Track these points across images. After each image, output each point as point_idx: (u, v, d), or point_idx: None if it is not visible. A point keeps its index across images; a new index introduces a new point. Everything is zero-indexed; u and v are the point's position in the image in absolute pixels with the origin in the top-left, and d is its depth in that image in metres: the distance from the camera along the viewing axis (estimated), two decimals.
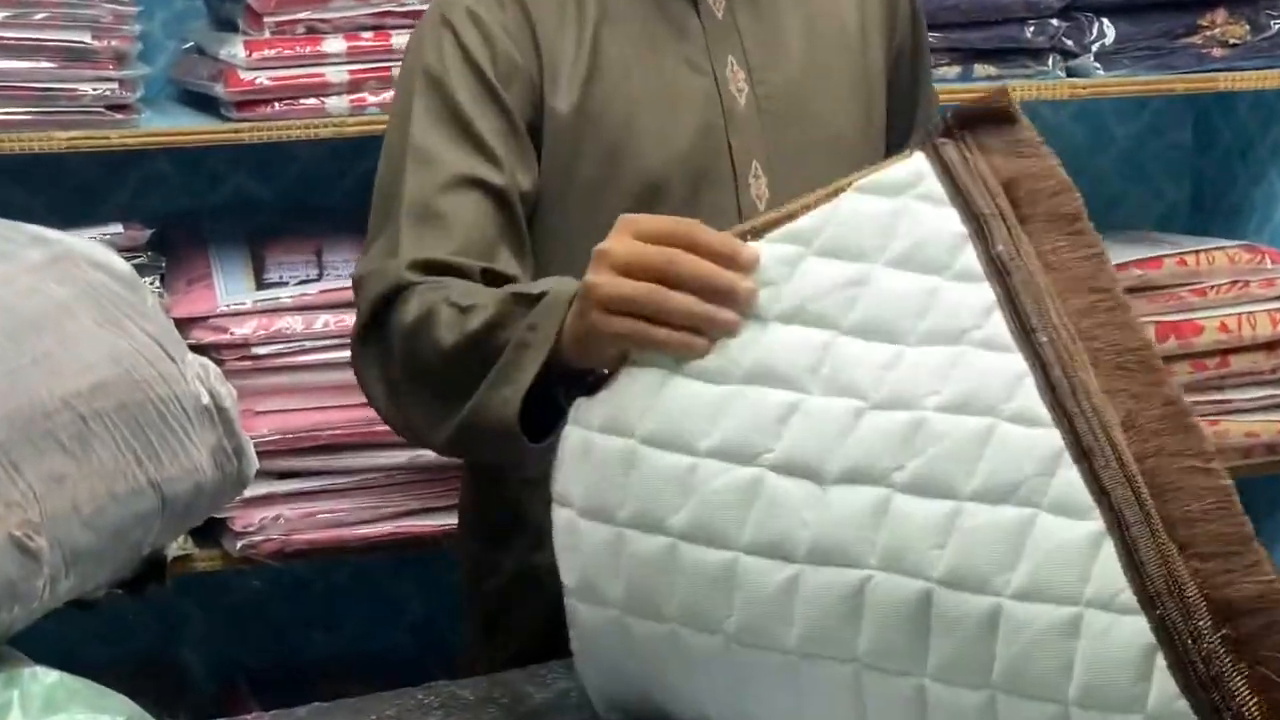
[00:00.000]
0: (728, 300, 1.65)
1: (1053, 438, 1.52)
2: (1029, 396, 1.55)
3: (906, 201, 1.68)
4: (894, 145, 2.23)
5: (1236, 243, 2.95)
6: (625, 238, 1.70)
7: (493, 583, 2.18)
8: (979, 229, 1.64)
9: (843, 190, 1.71)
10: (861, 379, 1.60)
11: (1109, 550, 1.48)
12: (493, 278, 1.98)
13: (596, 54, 2.14)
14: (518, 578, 2.14)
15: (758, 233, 1.69)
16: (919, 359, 1.60)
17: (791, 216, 1.70)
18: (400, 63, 2.43)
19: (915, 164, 1.71)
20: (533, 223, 2.11)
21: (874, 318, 1.64)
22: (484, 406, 1.85)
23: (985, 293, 1.61)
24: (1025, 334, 1.59)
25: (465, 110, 2.07)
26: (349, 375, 2.42)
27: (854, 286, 1.66)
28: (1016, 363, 1.57)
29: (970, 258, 1.63)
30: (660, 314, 1.67)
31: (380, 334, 2.03)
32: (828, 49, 2.22)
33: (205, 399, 1.98)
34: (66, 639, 1.97)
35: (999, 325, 1.60)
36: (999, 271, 1.62)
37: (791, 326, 1.65)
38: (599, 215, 1.95)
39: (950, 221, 1.66)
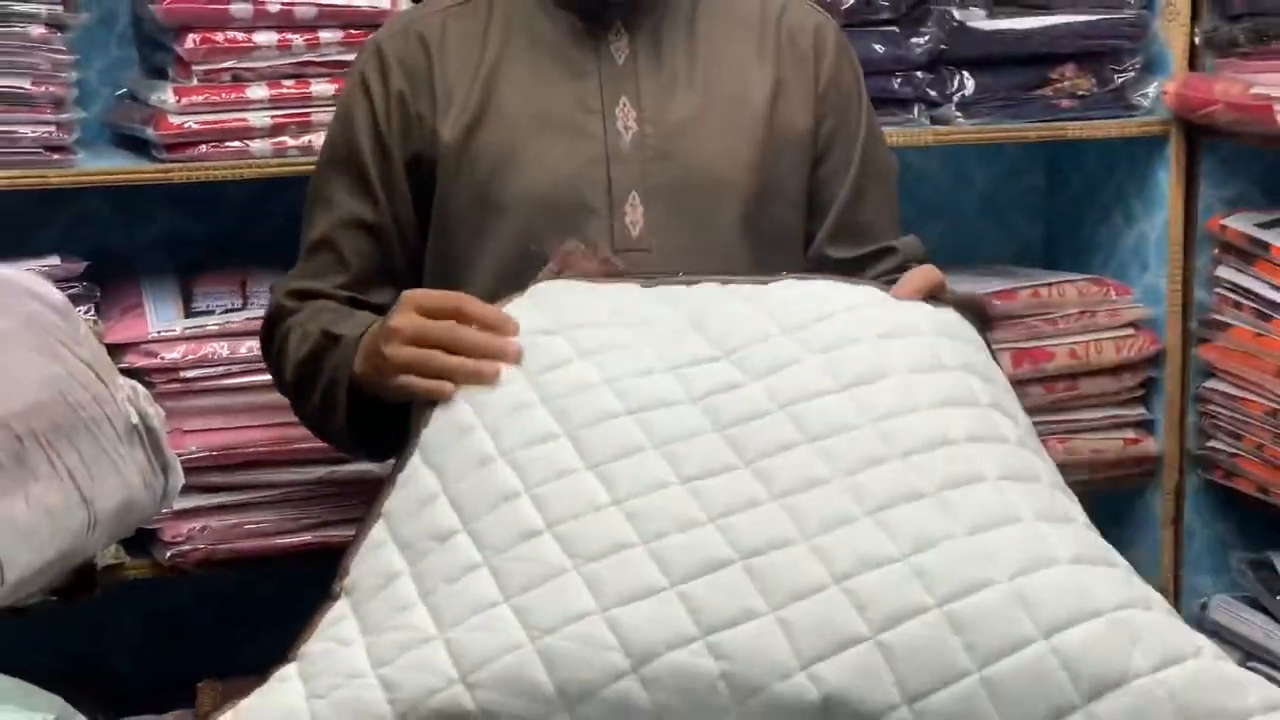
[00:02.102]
0: (498, 358, 1.93)
1: None
2: None
3: None
4: (823, 204, 2.27)
5: (1084, 276, 2.96)
6: (409, 314, 1.99)
7: None
8: None
9: None
10: None
11: None
12: (359, 305, 2.23)
13: (488, 95, 2.19)
14: None
15: None
16: None
17: None
18: (319, 108, 2.56)
19: None
20: (427, 241, 2.25)
21: None
22: (327, 431, 2.23)
23: None
24: None
25: (360, 155, 2.24)
26: (271, 397, 2.51)
27: None
28: None
29: None
30: (442, 372, 1.94)
31: (269, 346, 2.29)
32: (723, 102, 2.23)
33: (134, 419, 2.00)
34: (4, 644, 1.95)
35: None
36: None
37: None
38: (480, 237, 2.14)
39: None
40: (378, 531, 1.91)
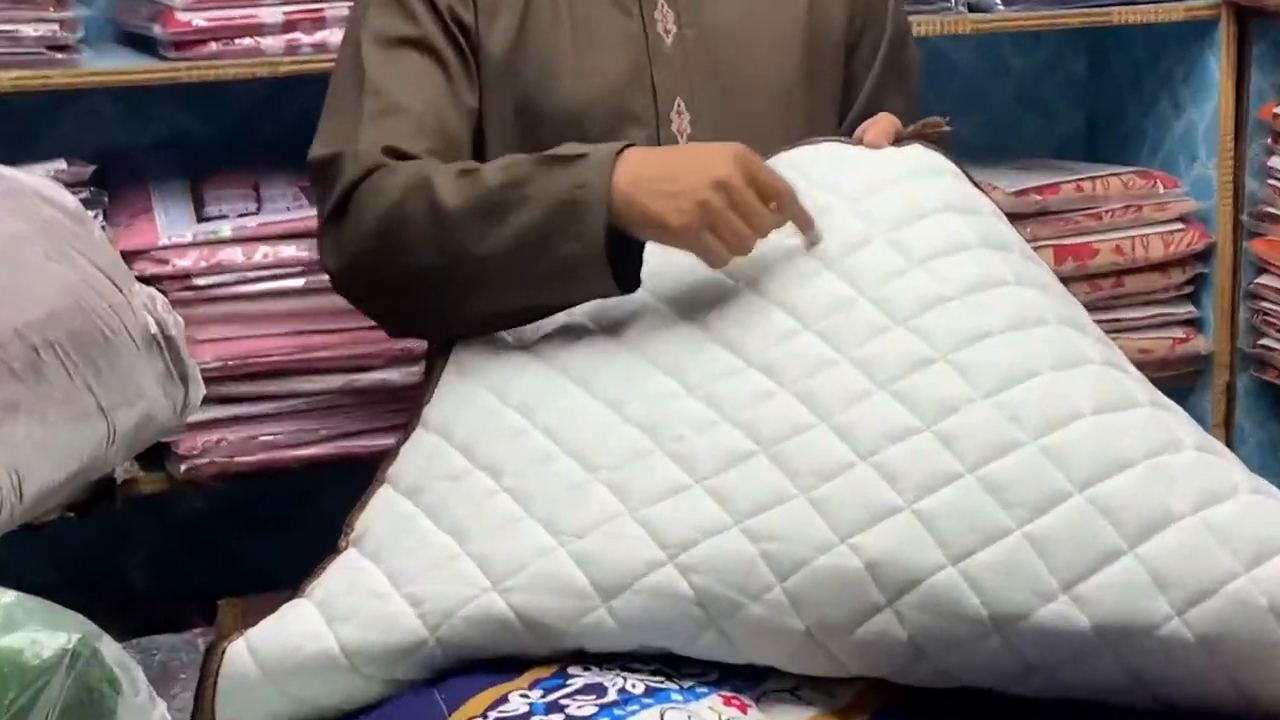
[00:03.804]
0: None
1: None
2: None
3: None
4: (851, 97, 2.30)
5: (1130, 169, 2.96)
6: (740, 170, 1.91)
7: None
8: None
9: None
10: None
11: None
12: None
13: (528, 3, 2.18)
14: None
15: None
16: None
17: None
18: (333, 2, 2.53)
19: None
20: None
21: None
22: (554, 263, 1.96)
23: None
24: None
25: (434, 41, 2.15)
26: (287, 304, 2.53)
27: None
28: None
29: None
30: (737, 243, 1.91)
31: (345, 214, 2.07)
32: (763, 5, 2.25)
33: (153, 328, 1.99)
34: (19, 561, 1.96)
35: None
36: None
37: None
38: (524, 146, 2.10)
39: None
40: (382, 492, 1.95)
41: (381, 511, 1.93)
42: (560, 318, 2.02)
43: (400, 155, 2.07)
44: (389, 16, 2.16)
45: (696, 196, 1.89)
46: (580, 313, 2.02)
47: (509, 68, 2.18)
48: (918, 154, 2.08)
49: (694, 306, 1.98)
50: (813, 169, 2.06)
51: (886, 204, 2.01)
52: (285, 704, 1.83)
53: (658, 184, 1.92)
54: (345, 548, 1.91)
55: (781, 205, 1.94)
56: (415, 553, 1.86)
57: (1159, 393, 1.95)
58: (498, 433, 1.93)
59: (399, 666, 1.83)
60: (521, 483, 1.88)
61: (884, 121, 2.10)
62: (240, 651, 1.83)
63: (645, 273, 1.98)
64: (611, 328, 2.00)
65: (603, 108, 2.19)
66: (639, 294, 2.00)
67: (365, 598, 1.84)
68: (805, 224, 1.96)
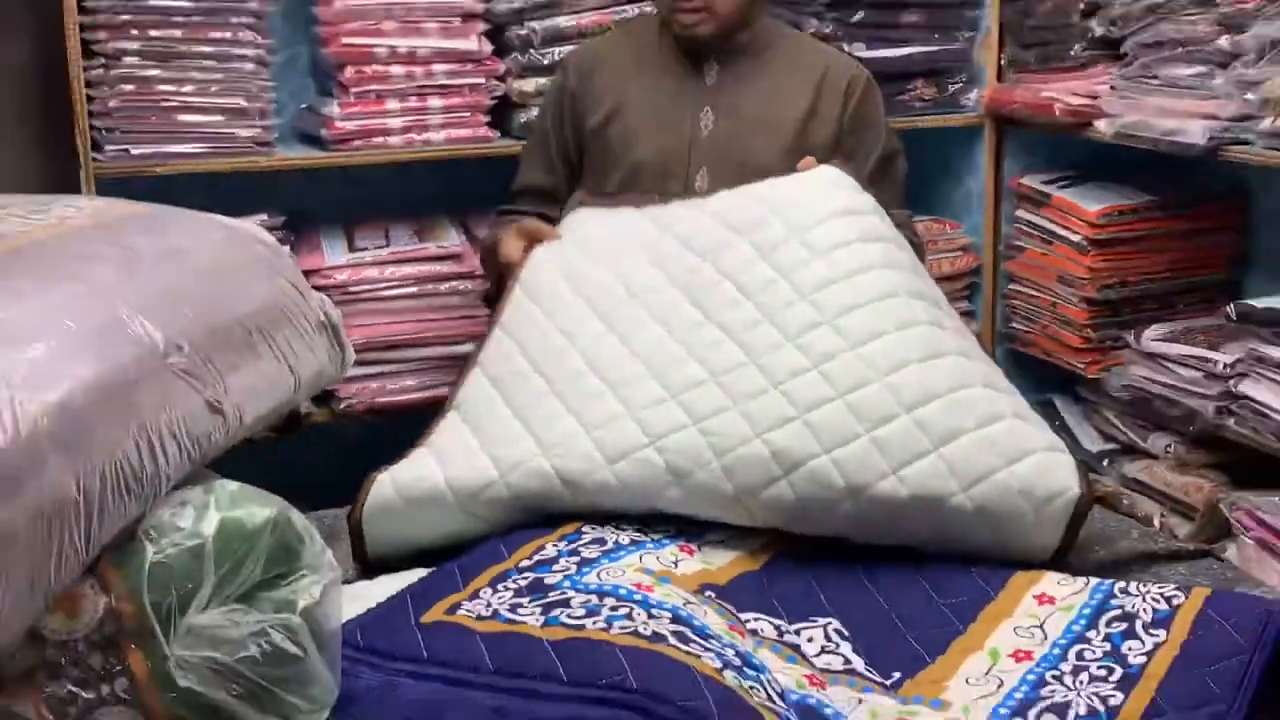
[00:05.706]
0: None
1: None
2: None
3: None
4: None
5: (931, 217, 2.87)
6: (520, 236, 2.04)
7: None
8: None
9: None
10: None
11: None
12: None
13: (624, 97, 2.18)
14: None
15: None
16: None
17: None
18: (432, 115, 2.49)
19: None
20: (580, 179, 2.23)
21: None
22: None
23: None
24: None
25: (548, 133, 2.24)
26: (407, 303, 2.50)
27: None
28: None
29: None
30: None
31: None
32: (774, 112, 2.20)
33: (323, 318, 1.94)
34: (244, 473, 1.85)
35: None
36: None
37: None
38: (609, 182, 2.14)
39: None
40: (474, 375, 1.90)
41: (473, 390, 1.87)
42: (599, 273, 1.94)
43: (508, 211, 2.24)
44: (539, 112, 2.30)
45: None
46: (610, 273, 1.93)
47: (603, 133, 2.19)
48: (827, 171, 1.98)
49: (678, 281, 1.91)
50: (761, 191, 1.98)
51: (801, 213, 1.92)
52: (413, 530, 1.76)
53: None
54: (450, 410, 1.86)
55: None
56: (495, 426, 1.81)
57: (973, 346, 1.87)
58: (550, 350, 1.87)
59: (480, 501, 1.77)
60: (564, 389, 1.83)
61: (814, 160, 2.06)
62: (384, 482, 1.79)
63: (653, 260, 1.92)
64: (629, 288, 1.92)
65: (655, 167, 2.17)
66: (647, 270, 1.91)
67: (463, 450, 1.79)
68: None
